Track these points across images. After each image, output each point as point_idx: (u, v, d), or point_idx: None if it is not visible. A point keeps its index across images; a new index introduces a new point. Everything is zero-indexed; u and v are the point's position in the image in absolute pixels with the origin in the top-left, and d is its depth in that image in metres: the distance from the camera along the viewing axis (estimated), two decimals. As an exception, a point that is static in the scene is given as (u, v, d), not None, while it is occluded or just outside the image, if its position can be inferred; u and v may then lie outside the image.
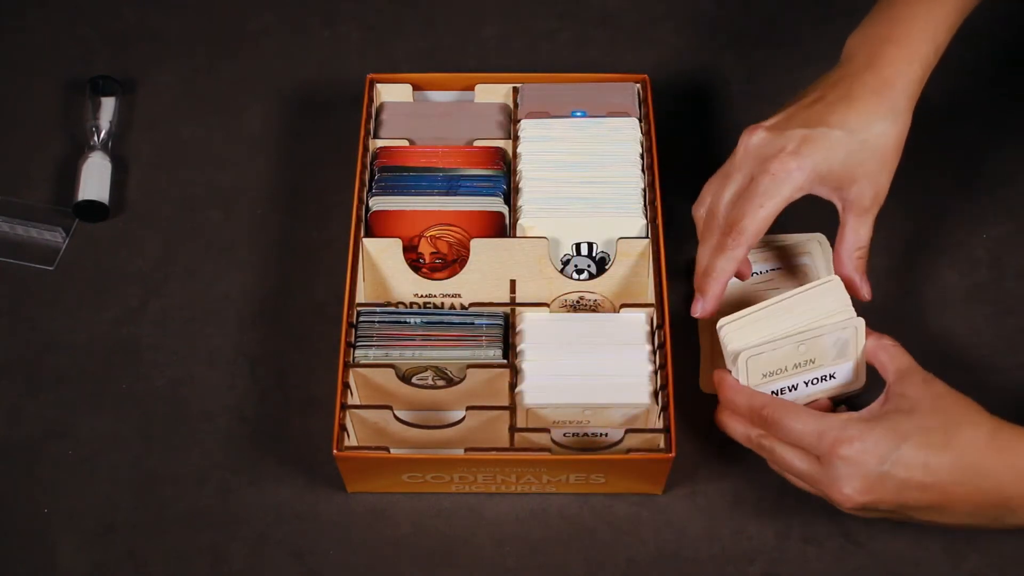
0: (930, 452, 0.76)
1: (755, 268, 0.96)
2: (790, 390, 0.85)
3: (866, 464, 0.77)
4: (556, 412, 0.86)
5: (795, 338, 0.82)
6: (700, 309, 0.87)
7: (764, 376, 0.83)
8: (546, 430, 0.85)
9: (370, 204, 0.94)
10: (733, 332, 0.83)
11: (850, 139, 0.83)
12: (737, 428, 0.83)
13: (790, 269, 0.96)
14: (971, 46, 1.11)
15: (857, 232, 0.86)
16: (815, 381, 0.85)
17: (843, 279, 0.85)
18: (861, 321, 0.83)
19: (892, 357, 0.82)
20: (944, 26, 0.86)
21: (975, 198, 1.02)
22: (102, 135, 1.05)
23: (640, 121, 0.98)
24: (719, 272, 0.86)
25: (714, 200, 0.87)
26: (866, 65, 0.85)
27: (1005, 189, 1.03)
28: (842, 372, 0.85)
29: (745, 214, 0.84)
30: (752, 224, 0.84)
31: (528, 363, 0.87)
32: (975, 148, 1.05)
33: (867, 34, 0.87)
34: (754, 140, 0.86)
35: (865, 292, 0.87)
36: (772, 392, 0.84)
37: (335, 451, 0.83)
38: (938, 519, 0.79)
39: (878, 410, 0.80)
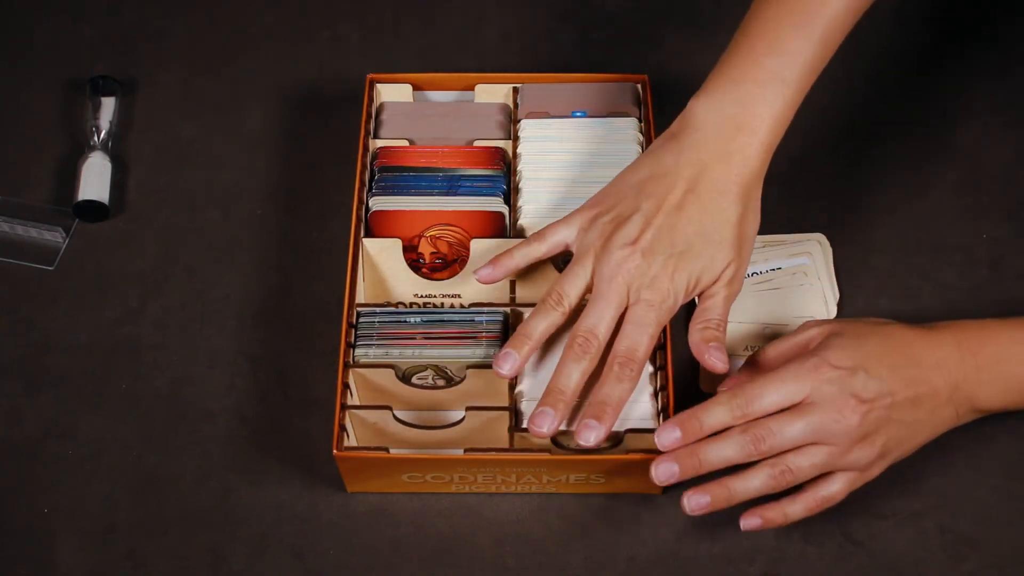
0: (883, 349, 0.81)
1: (755, 268, 0.96)
2: None
3: (845, 368, 0.79)
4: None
5: None
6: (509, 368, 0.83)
7: None
8: (546, 430, 0.85)
9: (370, 204, 0.94)
10: None
11: (706, 243, 0.83)
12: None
13: (790, 269, 0.96)
14: (969, 45, 1.11)
15: (713, 308, 0.84)
16: None
17: (692, 348, 0.84)
18: None
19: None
20: (792, 107, 0.84)
21: (975, 198, 1.02)
22: (102, 135, 1.05)
23: (640, 121, 0.98)
24: (617, 401, 0.81)
25: (584, 313, 0.83)
26: (718, 156, 0.83)
27: (1005, 189, 1.03)
28: None
29: (638, 344, 0.81)
30: (647, 353, 0.82)
31: (528, 363, 0.87)
32: (975, 148, 1.05)
33: (717, 109, 0.84)
34: (616, 258, 0.82)
35: (713, 361, 0.83)
36: None
37: (335, 451, 0.83)
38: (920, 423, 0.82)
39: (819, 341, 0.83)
